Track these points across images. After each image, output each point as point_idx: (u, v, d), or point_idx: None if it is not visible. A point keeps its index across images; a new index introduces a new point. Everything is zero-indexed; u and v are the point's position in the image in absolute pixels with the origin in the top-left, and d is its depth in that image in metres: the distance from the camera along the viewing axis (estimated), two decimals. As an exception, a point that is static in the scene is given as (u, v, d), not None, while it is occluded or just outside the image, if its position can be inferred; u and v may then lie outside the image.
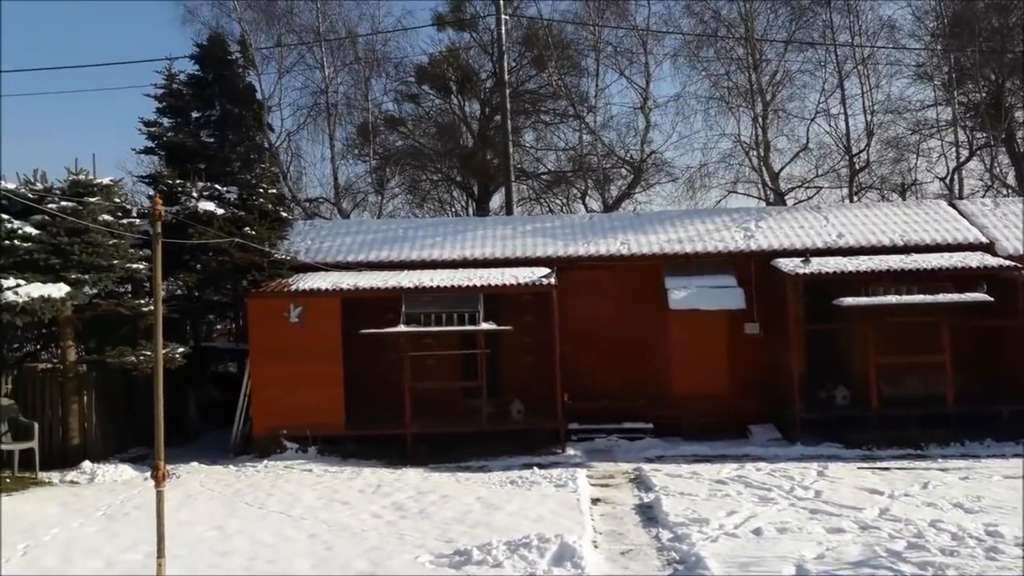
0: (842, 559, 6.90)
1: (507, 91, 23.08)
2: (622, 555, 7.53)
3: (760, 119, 23.52)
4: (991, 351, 13.84)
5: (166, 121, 18.64)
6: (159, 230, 6.81)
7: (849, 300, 12.88)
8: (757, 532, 7.76)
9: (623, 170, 26.19)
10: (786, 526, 7.93)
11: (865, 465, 10.97)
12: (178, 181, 14.66)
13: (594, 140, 25.51)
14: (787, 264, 13.82)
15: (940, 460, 11.22)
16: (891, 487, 9.48)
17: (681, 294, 13.95)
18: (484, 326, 12.98)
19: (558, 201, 29.06)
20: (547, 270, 14.06)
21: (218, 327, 21.70)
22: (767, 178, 24.17)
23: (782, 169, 24.88)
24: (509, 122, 22.95)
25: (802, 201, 24.21)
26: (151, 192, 15.68)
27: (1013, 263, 13.41)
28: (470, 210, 28.40)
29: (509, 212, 22.02)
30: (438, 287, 13.31)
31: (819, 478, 10.11)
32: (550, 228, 16.44)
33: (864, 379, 13.14)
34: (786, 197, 24.22)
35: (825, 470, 10.54)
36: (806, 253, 14.20)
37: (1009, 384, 13.21)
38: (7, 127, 52.56)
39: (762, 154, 23.73)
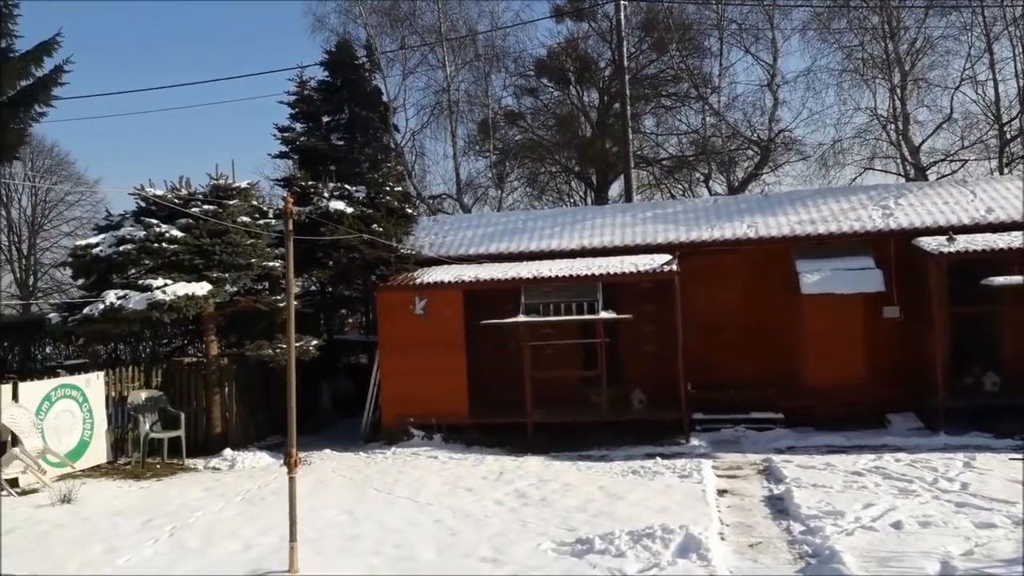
0: (994, 556, 6.39)
1: (626, 77, 22.74)
2: (751, 548, 7.26)
3: (898, 90, 22.12)
4: None
5: (298, 126, 19.55)
6: (291, 227, 7.13)
7: (999, 280, 11.91)
8: (897, 526, 7.30)
9: (749, 151, 25.30)
10: (929, 520, 7.42)
11: (1018, 456, 10.08)
12: (310, 182, 15.31)
13: (718, 121, 24.76)
14: (930, 243, 12.92)
15: (1110, 452, 10.20)
16: (1050, 480, 8.70)
17: (814, 277, 13.31)
18: (603, 315, 12.86)
19: (680, 186, 28.45)
20: (668, 256, 13.74)
21: (350, 320, 22.60)
22: (907, 152, 22.70)
23: (923, 142, 23.32)
24: (628, 108, 22.60)
25: (946, 176, 22.57)
26: (285, 194, 16.47)
27: None
28: (589, 200, 28.27)
29: (628, 199, 21.73)
30: (556, 277, 13.29)
31: (965, 469, 9.40)
32: (671, 213, 16.07)
33: (1016, 364, 12.12)
34: (928, 172, 22.68)
35: (972, 461, 9.79)
36: (950, 231, 13.22)
37: None
38: (161, 140, 56.68)
39: (901, 127, 22.33)
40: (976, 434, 11.50)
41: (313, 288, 17.63)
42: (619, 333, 13.81)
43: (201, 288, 11.96)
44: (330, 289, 17.06)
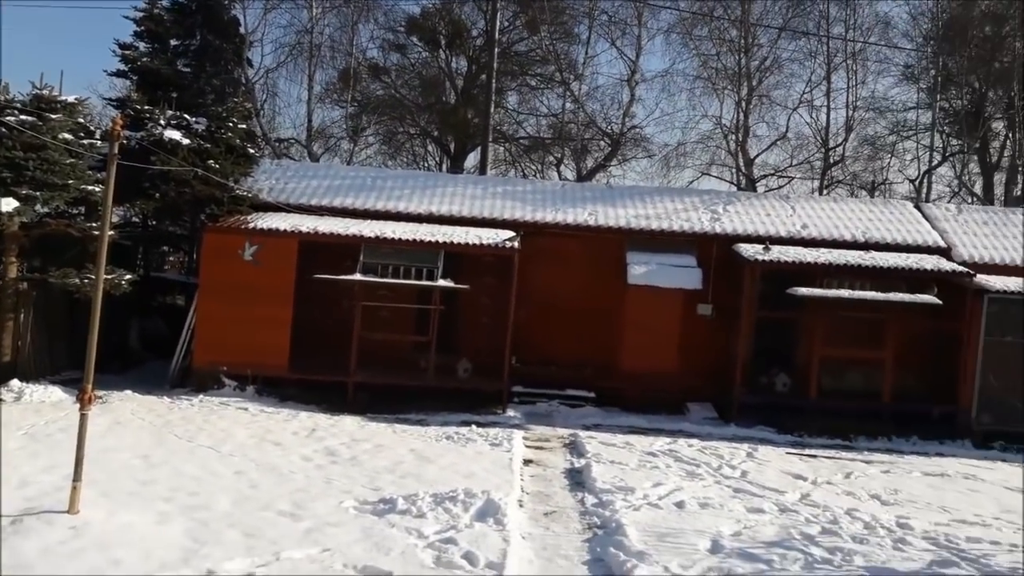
0: (757, 538, 7.05)
1: (496, 50, 22.77)
2: (545, 515, 7.63)
3: (743, 103, 23.54)
4: (933, 353, 14.10)
5: (143, 45, 18.15)
6: (115, 151, 6.65)
7: (803, 290, 13.03)
8: (680, 505, 7.90)
9: (601, 142, 26.10)
10: (708, 502, 8.08)
11: (794, 451, 11.20)
12: (146, 107, 14.28)
13: (576, 108, 25.34)
14: (748, 249, 13.92)
15: (866, 452, 11.52)
16: (815, 474, 9.70)
17: (641, 269, 14.01)
18: (441, 283, 12.94)
19: (533, 167, 28.92)
20: (512, 233, 13.99)
21: (171, 258, 21.41)
22: (742, 163, 24.28)
23: (758, 156, 25.04)
24: (494, 82, 22.69)
25: (773, 189, 24.35)
26: (116, 115, 15.28)
27: (966, 269, 13.63)
28: (444, 167, 28.16)
29: (483, 172, 21.87)
30: (399, 239, 13.20)
31: (747, 459, 10.30)
32: (520, 192, 16.35)
33: (806, 369, 13.37)
34: (757, 184, 24.37)
35: (755, 452, 10.74)
36: (767, 240, 14.31)
37: (943, 386, 13.50)
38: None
39: (740, 139, 23.80)
40: (762, 428, 12.60)
41: (135, 219, 16.55)
42: (456, 303, 13.96)
43: (7, 204, 10.93)
44: (153, 223, 16.07)
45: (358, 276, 12.87)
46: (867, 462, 10.77)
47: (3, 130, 11.19)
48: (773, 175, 25.61)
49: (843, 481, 9.49)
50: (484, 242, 13.41)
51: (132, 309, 15.25)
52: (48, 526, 5.91)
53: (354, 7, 25.75)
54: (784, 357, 14.04)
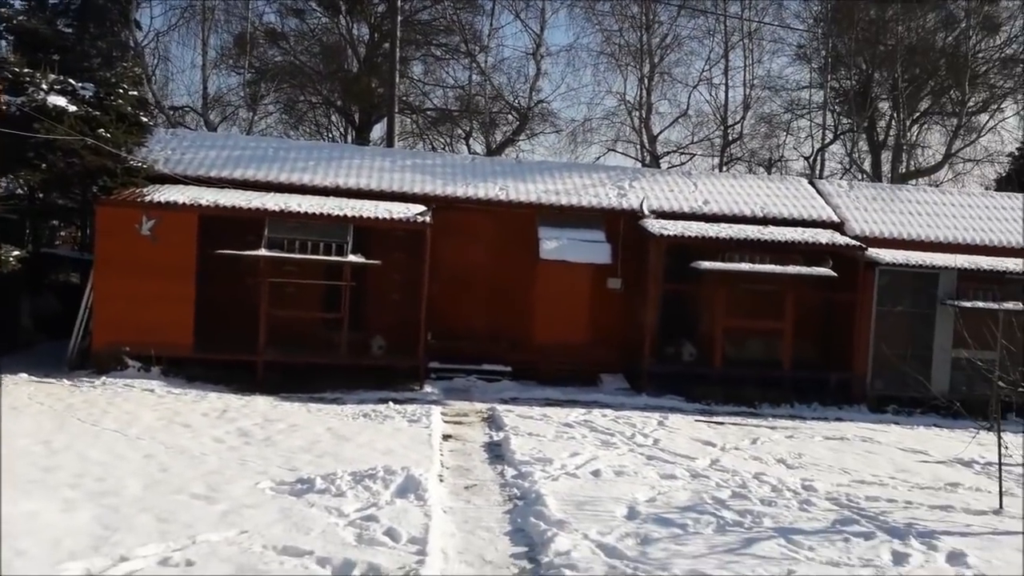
0: (672, 503, 7.29)
1: (398, 18, 22.32)
2: (466, 489, 7.66)
3: (646, 80, 23.97)
4: (829, 323, 14.86)
5: (17, 3, 16.94)
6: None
7: (706, 264, 13.46)
8: (596, 474, 8.08)
9: (509, 116, 26.09)
10: (623, 470, 8.30)
11: (702, 419, 11.63)
12: (26, 70, 13.34)
13: (483, 81, 25.23)
14: (653, 224, 14.25)
15: (770, 419, 12.06)
16: (723, 440, 10.10)
17: (552, 244, 14.15)
18: (351, 258, 12.71)
19: (441, 140, 28.67)
20: (423, 208, 13.86)
21: (62, 233, 20.23)
22: (646, 140, 24.78)
23: (660, 132, 25.63)
24: (397, 50, 22.25)
25: (676, 166, 24.99)
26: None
27: (858, 243, 14.38)
28: (349, 138, 27.56)
29: (390, 144, 21.51)
30: (306, 213, 12.85)
31: (659, 428, 10.63)
32: (430, 166, 16.18)
33: (711, 339, 13.87)
34: (661, 160, 24.95)
35: (665, 420, 11.10)
36: (673, 216, 14.69)
37: (839, 354, 14.27)
38: None
39: (644, 115, 24.26)
40: (672, 397, 13.02)
41: (19, 192, 15.51)
42: (366, 278, 13.74)
43: None
44: (41, 195, 15.12)
45: (263, 251, 12.48)
46: (772, 428, 11.29)
47: None
48: (676, 152, 26.31)
49: (750, 447, 9.92)
50: (395, 216, 13.23)
51: (22, 287, 14.34)
52: (-59, 520, 5.53)
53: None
54: (690, 328, 14.51)
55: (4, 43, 16.29)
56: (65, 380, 11.43)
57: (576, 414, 11.14)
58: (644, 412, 11.72)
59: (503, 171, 16.27)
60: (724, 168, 25.00)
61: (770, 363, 13.93)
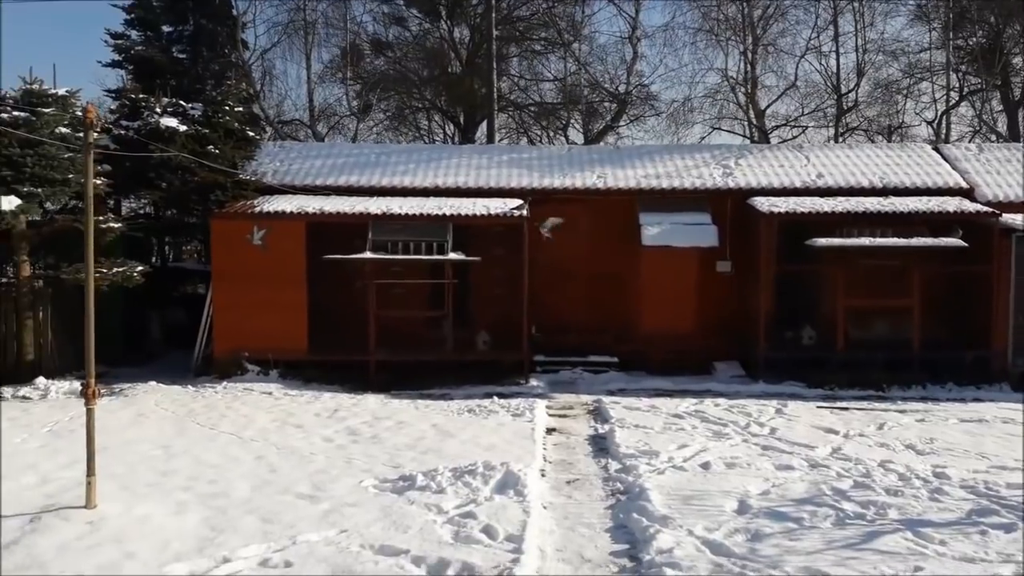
0: (787, 496, 6.86)
1: (494, 16, 22.34)
2: (568, 484, 7.49)
3: (749, 54, 22.96)
4: (962, 297, 13.75)
5: (134, 34, 17.98)
6: (91, 139, 6.49)
7: (821, 241, 12.71)
8: (705, 466, 7.72)
9: (607, 103, 25.65)
10: (735, 461, 7.90)
11: (824, 405, 10.98)
12: (141, 96, 14.13)
13: (579, 70, 24.87)
14: (763, 203, 13.59)
15: (900, 402, 11.24)
16: (847, 427, 9.48)
17: (655, 230, 13.74)
18: (451, 256, 12.76)
19: (541, 134, 28.50)
20: (520, 201, 13.76)
21: (187, 248, 21.38)
22: (752, 116, 23.76)
23: (768, 107, 24.47)
24: (495, 47, 22.28)
25: (786, 141, 23.80)
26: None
27: (991, 209, 13.23)
28: (455, 139, 27.86)
29: (491, 142, 21.57)
30: (406, 215, 13.02)
31: (776, 416, 10.09)
32: (526, 159, 16.07)
33: (831, 321, 13.08)
34: (770, 135, 23.86)
35: (784, 408, 10.53)
36: (784, 192, 13.97)
37: (974, 330, 13.16)
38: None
39: (749, 90, 23.25)
40: (791, 383, 12.37)
41: (146, 211, 16.48)
42: (468, 275, 13.78)
43: (8, 202, 10.86)
44: (166, 212, 15.97)
45: (368, 254, 12.72)
46: (901, 412, 10.53)
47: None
48: (785, 125, 25.05)
49: (876, 433, 9.26)
50: (492, 212, 13.19)
51: (151, 300, 15.23)
52: (65, 522, 5.86)
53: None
54: (807, 310, 13.75)
55: (124, 72, 17.34)
56: (190, 386, 12.00)
57: (686, 404, 10.75)
58: (760, 400, 11.17)
59: (601, 159, 15.95)
60: (839, 139, 23.63)
61: (898, 343, 12.99)
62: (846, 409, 10.72)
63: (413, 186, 14.74)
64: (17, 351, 11.93)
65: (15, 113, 11.40)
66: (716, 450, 8.35)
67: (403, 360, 12.91)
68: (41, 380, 11.43)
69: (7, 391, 11.10)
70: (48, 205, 13.09)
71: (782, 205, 13.39)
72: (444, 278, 13.09)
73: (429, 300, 13.82)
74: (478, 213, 13.17)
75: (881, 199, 13.79)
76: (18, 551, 5.35)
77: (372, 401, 11.17)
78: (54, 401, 10.82)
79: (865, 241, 12.81)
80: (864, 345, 13.13)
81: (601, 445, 8.87)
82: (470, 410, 10.40)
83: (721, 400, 11.08)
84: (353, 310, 13.10)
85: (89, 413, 6.33)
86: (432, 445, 8.55)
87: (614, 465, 7.95)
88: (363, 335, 12.80)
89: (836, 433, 9.20)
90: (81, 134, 12.36)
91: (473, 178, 14.99)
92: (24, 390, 11.13)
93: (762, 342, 12.94)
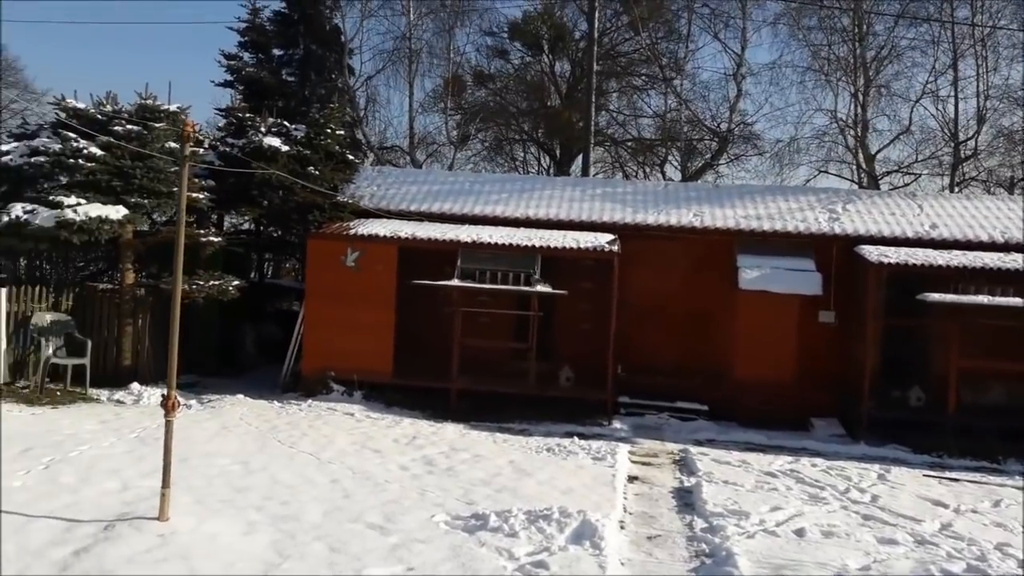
0: (889, 573, 6.25)
1: (595, 50, 22.25)
2: (648, 540, 7.05)
3: (860, 95, 22.04)
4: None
5: (247, 56, 18.67)
6: (187, 152, 6.55)
7: (934, 296, 11.88)
8: (800, 533, 7.15)
9: (707, 141, 25.12)
10: (833, 530, 7.29)
11: (932, 473, 10.12)
12: (248, 115, 14.57)
13: (680, 104, 24.46)
14: (872, 252, 12.87)
15: (1018, 477, 10.26)
16: (958, 501, 8.67)
17: (753, 274, 13.18)
18: (538, 288, 12.54)
19: (638, 169, 28.17)
20: (611, 236, 13.47)
21: (286, 265, 21.91)
22: (862, 160, 22.75)
23: (879, 151, 23.40)
24: (594, 81, 22.16)
25: (898, 188, 22.69)
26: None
27: None
28: (551, 172, 27.88)
29: (585, 175, 21.39)
30: (495, 244, 12.90)
31: (879, 482, 9.35)
32: (620, 193, 15.76)
33: (943, 382, 12.15)
34: (880, 181, 22.77)
35: (887, 474, 9.75)
36: (894, 242, 13.19)
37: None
38: (120, 56, 54.35)
39: (859, 133, 22.30)
40: (895, 447, 11.52)
41: (247, 227, 16.95)
42: (554, 308, 13.53)
43: (116, 211, 11.27)
44: (264, 230, 16.39)
45: (456, 281, 12.64)
46: (1019, 488, 9.59)
47: (113, 140, 11.55)
48: (897, 171, 23.89)
49: (991, 510, 8.44)
50: (582, 245, 12.91)
51: (246, 315, 15.60)
52: (137, 533, 5.83)
53: (450, 11, 25.75)
54: (916, 369, 12.87)
55: (234, 92, 17.98)
56: (276, 402, 12.11)
57: (781, 462, 10.10)
58: (861, 463, 10.41)
59: (698, 196, 15.49)
60: (956, 189, 22.35)
61: (1016, 411, 11.97)
62: (956, 480, 9.85)
63: (504, 216, 14.64)
64: (116, 356, 12.32)
65: (128, 126, 11.86)
66: (812, 515, 7.75)
67: (484, 390, 12.70)
68: (136, 385, 11.74)
69: (103, 394, 11.44)
70: (157, 216, 13.60)
71: (893, 255, 12.63)
72: (530, 310, 12.86)
73: (514, 331, 13.60)
74: (567, 246, 12.93)
75: (1002, 255, 12.85)
76: (88, 559, 5.32)
77: (451, 431, 10.98)
78: (145, 407, 11.05)
79: (983, 299, 11.90)
80: (978, 411, 12.17)
81: (686, 500, 8.38)
82: (549, 449, 10.07)
83: (818, 460, 10.38)
84: (438, 337, 13.03)
85: (168, 425, 6.33)
86: (508, 483, 8.26)
87: (700, 523, 7.46)
88: (446, 362, 12.68)
89: (945, 507, 8.43)
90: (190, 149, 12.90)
91: (565, 211, 14.78)
92: (119, 394, 11.44)
93: (866, 400, 12.13)
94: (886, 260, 12.47)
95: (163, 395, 6.41)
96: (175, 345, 6.41)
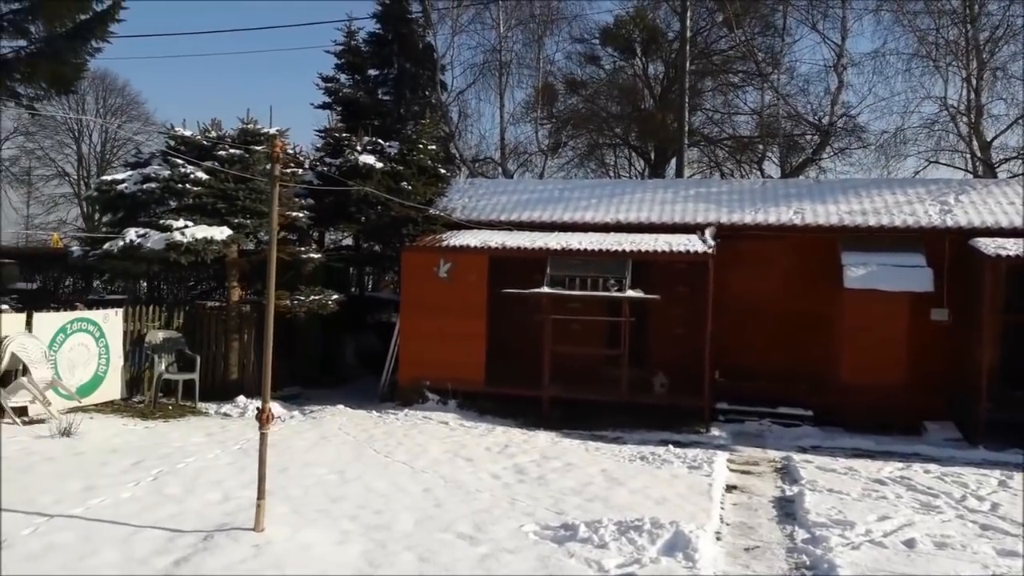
0: (1011, 589, 5.82)
1: (687, 47, 21.84)
2: (746, 551, 6.80)
3: (973, 79, 20.71)
4: None
5: (343, 77, 19.27)
6: (276, 172, 6.79)
7: (1060, 289, 11.04)
8: (910, 544, 6.74)
9: (808, 135, 24.19)
10: (947, 541, 6.84)
11: (1060, 481, 9.37)
12: (344, 135, 15.03)
13: (778, 99, 23.66)
14: (988, 244, 12.06)
15: None
16: (1090, 510, 8.00)
17: (859, 271, 12.56)
18: (629, 293, 12.36)
19: (735, 168, 27.45)
20: (706, 237, 13.13)
21: (385, 278, 22.45)
22: (976, 148, 21.35)
23: (996, 137, 21.85)
24: (687, 81, 21.75)
25: (1017, 176, 21.17)
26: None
27: None
28: (645, 175, 27.56)
29: (679, 176, 21.00)
30: (585, 250, 12.81)
31: (999, 488, 8.72)
32: (715, 193, 15.36)
33: (1071, 381, 11.27)
34: (997, 169, 21.30)
35: (1009, 480, 9.08)
36: (1014, 233, 12.33)
37: None
38: (227, 86, 57.25)
39: (973, 120, 20.95)
40: (1018, 451, 10.74)
41: (347, 243, 17.48)
42: (647, 313, 13.31)
43: (221, 232, 11.81)
44: (362, 245, 16.86)
45: (545, 289, 12.62)
46: None
47: (217, 164, 12.13)
48: (1016, 158, 22.31)
49: None
50: (674, 248, 12.64)
51: (347, 327, 16.08)
52: (234, 543, 6.06)
53: (540, 21, 25.81)
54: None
55: (332, 113, 18.59)
56: (374, 411, 12.40)
57: (890, 469, 9.57)
58: (980, 469, 9.74)
59: (798, 193, 14.92)
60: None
61: None
62: (1089, 488, 9.08)
63: (594, 221, 14.53)
64: (223, 370, 12.92)
65: (231, 151, 12.43)
66: (924, 525, 7.30)
67: (576, 398, 12.61)
68: (241, 399, 12.26)
69: (211, 407, 12.00)
70: (260, 235, 14.18)
71: (1012, 248, 11.80)
72: (621, 315, 12.69)
73: (605, 338, 13.46)
74: (659, 249, 12.70)
75: None
76: (187, 568, 5.57)
77: (543, 439, 10.95)
78: (250, 419, 11.47)
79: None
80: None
81: (788, 509, 8.04)
82: (642, 457, 9.88)
83: (932, 466, 9.78)
84: (529, 344, 13.03)
85: (262, 437, 6.56)
86: (599, 492, 8.15)
87: (801, 534, 7.15)
88: (538, 370, 12.67)
89: (1076, 516, 7.78)
90: (288, 170, 13.42)
91: (656, 213, 14.53)
92: (226, 407, 11.97)
93: (984, 402, 11.36)
94: (1005, 253, 11.67)
95: (258, 408, 6.62)
96: (269, 358, 6.63)
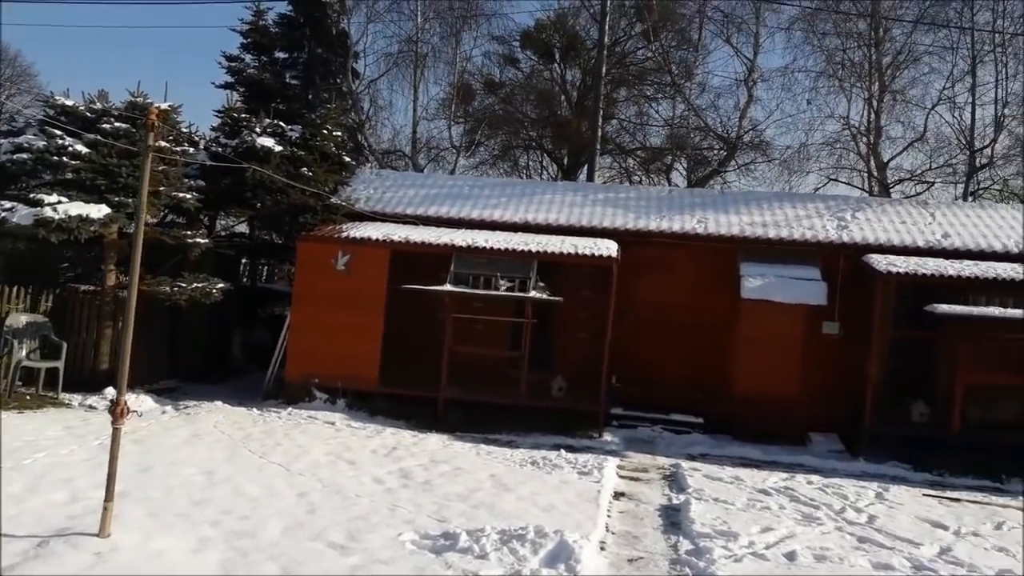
0: (884, 604, 5.82)
1: (604, 56, 21.89)
2: (629, 563, 6.64)
3: (874, 101, 21.51)
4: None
5: (248, 58, 18.42)
6: (151, 142, 6.21)
7: (943, 307, 11.42)
8: (790, 556, 6.71)
9: (716, 147, 24.67)
10: (826, 554, 6.85)
11: (932, 492, 9.63)
12: (243, 115, 14.29)
13: (688, 112, 24.03)
14: (880, 261, 12.41)
15: (1020, 498, 9.76)
16: (958, 522, 8.20)
17: (756, 282, 12.74)
18: (532, 294, 12.16)
19: (643, 178, 27.78)
20: (612, 242, 13.06)
21: (278, 270, 21.63)
22: (873, 167, 22.21)
23: (892, 159, 22.84)
24: (602, 89, 21.80)
25: (910, 196, 22.13)
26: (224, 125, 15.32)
27: None
28: (557, 180, 27.51)
29: (590, 181, 21.01)
30: (491, 249, 12.54)
31: (876, 501, 8.88)
32: (622, 199, 15.37)
33: (948, 397, 11.68)
34: (892, 189, 22.22)
35: (885, 492, 9.28)
36: (904, 251, 12.72)
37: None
38: (131, 61, 54.57)
39: (871, 140, 21.76)
40: (895, 464, 11.05)
41: (239, 230, 16.69)
42: (552, 316, 13.15)
43: (98, 210, 10.98)
44: (256, 233, 16.10)
45: (448, 287, 12.29)
46: (1021, 509, 9.10)
47: (100, 138, 11.29)
48: (910, 180, 23.34)
49: (992, 533, 7.96)
50: (580, 251, 12.51)
51: (236, 320, 15.30)
52: (73, 550, 5.48)
53: (458, 15, 25.46)
54: (921, 383, 12.38)
55: (234, 94, 17.71)
56: (255, 409, 11.77)
57: (775, 479, 9.65)
58: (859, 481, 9.93)
59: (703, 203, 15.07)
60: (970, 198, 21.79)
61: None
62: (957, 500, 9.38)
63: (503, 220, 14.27)
64: (93, 359, 12.03)
65: (117, 124, 11.60)
66: (804, 537, 7.31)
67: (473, 400, 12.31)
68: (110, 390, 11.39)
69: (76, 398, 11.13)
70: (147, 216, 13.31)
71: (902, 265, 12.17)
72: (525, 317, 12.47)
73: (509, 339, 13.22)
74: (565, 251, 12.54)
75: (1016, 266, 12.35)
76: (12, 580, 4.99)
77: (434, 441, 10.61)
78: (118, 412, 10.72)
79: (994, 311, 11.43)
80: (985, 428, 11.66)
81: (673, 518, 7.95)
82: (534, 462, 9.66)
83: (815, 477, 9.91)
84: (428, 344, 12.67)
85: (115, 433, 5.98)
86: (485, 499, 7.86)
87: (685, 544, 7.04)
88: (436, 370, 12.32)
89: (945, 529, 7.97)
90: (179, 147, 12.63)
91: (565, 216, 14.40)
92: (92, 399, 11.13)
93: (868, 415, 11.67)
94: (894, 269, 12.02)
95: (111, 401, 6.04)
96: (128, 344, 6.06)
